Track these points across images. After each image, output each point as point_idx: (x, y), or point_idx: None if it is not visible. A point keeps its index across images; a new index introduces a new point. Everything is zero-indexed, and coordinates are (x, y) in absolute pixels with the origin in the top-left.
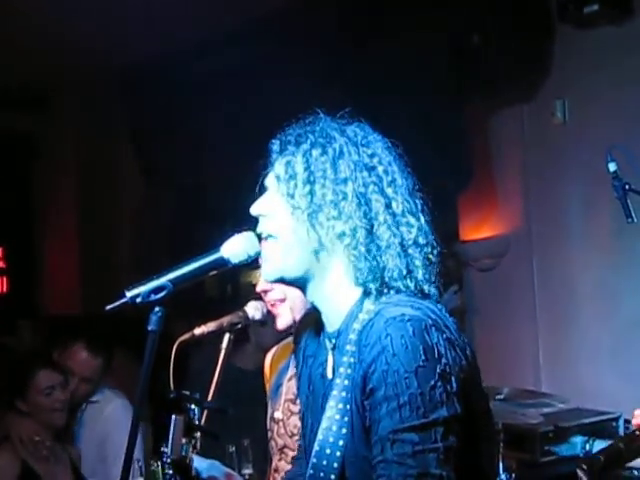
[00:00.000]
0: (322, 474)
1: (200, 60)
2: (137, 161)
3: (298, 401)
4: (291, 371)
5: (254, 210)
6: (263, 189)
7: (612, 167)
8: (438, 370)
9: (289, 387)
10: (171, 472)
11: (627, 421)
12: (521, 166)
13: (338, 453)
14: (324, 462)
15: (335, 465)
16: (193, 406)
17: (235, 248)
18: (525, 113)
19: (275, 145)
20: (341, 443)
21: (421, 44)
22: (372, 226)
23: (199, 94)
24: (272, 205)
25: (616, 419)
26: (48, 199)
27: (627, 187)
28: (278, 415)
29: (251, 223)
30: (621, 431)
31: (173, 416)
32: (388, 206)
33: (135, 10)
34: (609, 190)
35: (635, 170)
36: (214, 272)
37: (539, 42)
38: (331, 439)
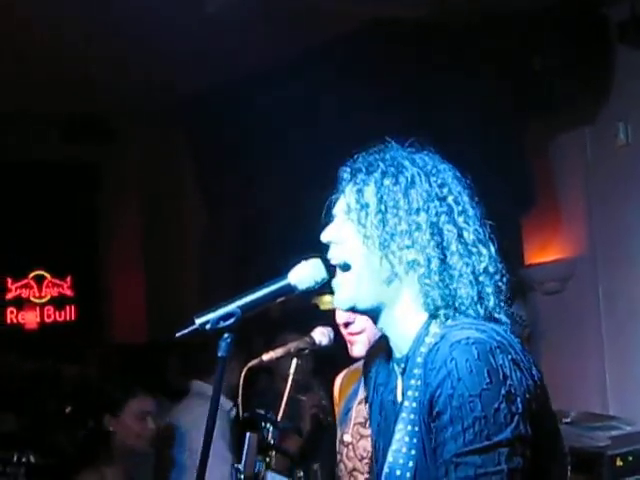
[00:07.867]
0: None
1: (264, 90)
2: (200, 191)
3: (368, 424)
4: (360, 395)
5: (325, 237)
6: (331, 216)
7: None
8: (503, 392)
9: (358, 411)
10: None
11: None
12: (584, 188)
13: (408, 474)
14: None
15: None
16: (268, 425)
17: (302, 275)
18: (587, 135)
19: (345, 173)
20: (411, 464)
21: (483, 68)
22: (445, 255)
23: (263, 124)
24: (343, 233)
25: None
26: (113, 229)
27: None
28: (347, 438)
29: (315, 252)
30: None
31: (247, 433)
32: (460, 235)
33: (199, 41)
34: None
35: None
36: (281, 299)
37: (600, 64)
38: (401, 460)
